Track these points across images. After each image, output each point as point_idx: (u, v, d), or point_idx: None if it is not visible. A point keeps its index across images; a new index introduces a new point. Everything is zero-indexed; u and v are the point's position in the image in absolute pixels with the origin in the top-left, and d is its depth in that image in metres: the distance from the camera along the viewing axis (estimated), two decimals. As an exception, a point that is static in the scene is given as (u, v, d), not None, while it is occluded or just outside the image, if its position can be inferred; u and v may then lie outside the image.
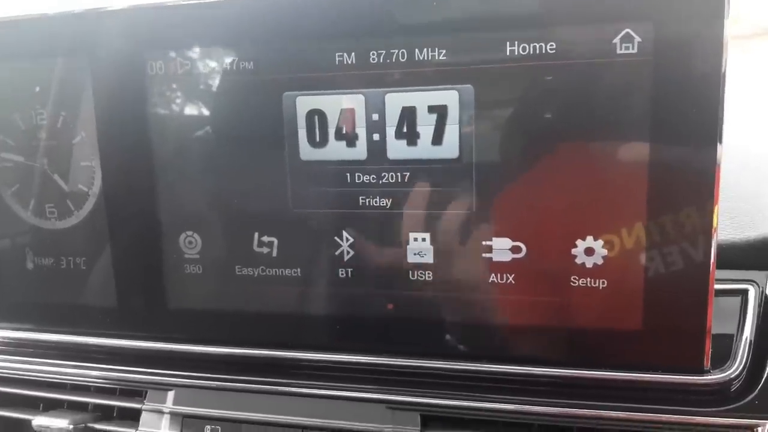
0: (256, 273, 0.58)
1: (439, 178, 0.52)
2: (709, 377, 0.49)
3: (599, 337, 0.51)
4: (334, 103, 0.52)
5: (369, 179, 0.53)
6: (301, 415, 0.56)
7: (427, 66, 0.50)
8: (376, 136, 0.52)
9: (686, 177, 0.46)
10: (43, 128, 0.61)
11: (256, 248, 0.57)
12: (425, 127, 0.51)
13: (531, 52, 0.47)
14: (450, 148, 0.51)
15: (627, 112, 0.47)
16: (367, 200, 0.53)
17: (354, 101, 0.52)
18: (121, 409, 0.63)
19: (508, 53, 0.48)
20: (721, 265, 0.48)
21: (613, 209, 0.48)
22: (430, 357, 0.55)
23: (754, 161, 0.71)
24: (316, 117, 0.53)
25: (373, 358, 0.56)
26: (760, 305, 0.56)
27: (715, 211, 0.46)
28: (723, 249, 0.58)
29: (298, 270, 0.57)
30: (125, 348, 0.63)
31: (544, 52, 0.47)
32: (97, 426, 0.62)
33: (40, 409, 0.66)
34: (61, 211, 0.63)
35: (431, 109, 0.50)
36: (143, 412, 0.61)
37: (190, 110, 0.57)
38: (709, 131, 0.45)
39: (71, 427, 0.61)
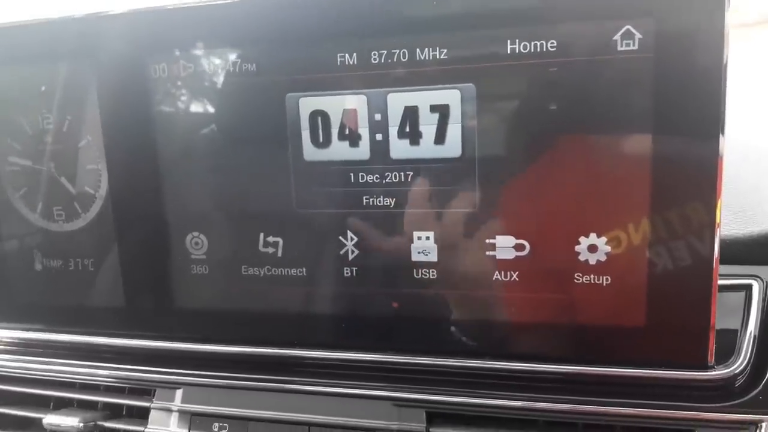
0: (262, 273, 0.58)
1: (442, 177, 0.52)
2: (713, 373, 0.49)
3: (603, 334, 0.51)
4: (336, 104, 0.52)
5: (372, 179, 0.53)
6: (307, 413, 0.57)
7: (428, 65, 0.50)
8: (378, 136, 0.52)
9: (689, 172, 0.46)
10: (49, 132, 0.62)
11: (261, 248, 0.58)
12: (428, 126, 0.51)
13: (532, 50, 0.47)
14: (452, 147, 0.51)
15: (629, 108, 0.47)
16: (371, 200, 0.54)
17: (356, 101, 0.52)
18: (130, 408, 0.64)
19: (509, 51, 0.48)
20: (724, 260, 0.48)
21: (616, 206, 0.48)
22: (435, 354, 0.55)
23: (756, 154, 0.71)
24: (319, 118, 0.53)
25: (379, 355, 0.56)
26: (764, 300, 0.56)
27: (718, 205, 0.46)
28: (727, 244, 0.58)
29: (304, 269, 0.57)
30: (134, 347, 0.63)
31: (545, 49, 0.47)
32: (107, 424, 0.63)
33: (51, 407, 0.67)
34: (68, 213, 0.63)
35: (433, 108, 0.50)
36: (152, 410, 0.61)
37: (194, 112, 0.57)
38: (712, 126, 0.45)
39: (81, 425, 0.62)
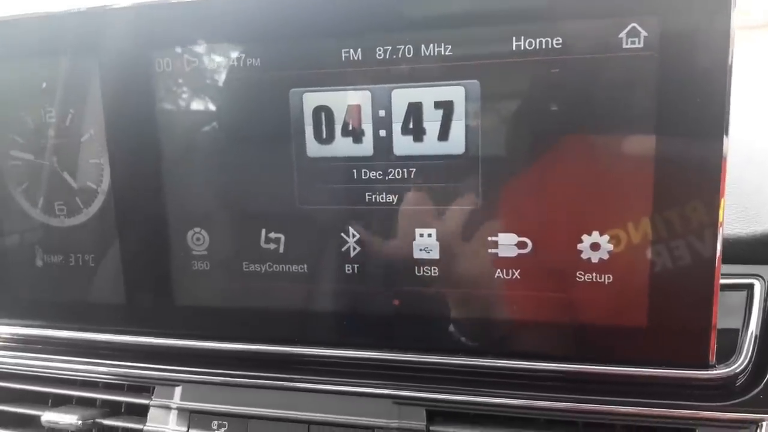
0: (264, 269, 0.58)
1: (445, 174, 0.52)
2: (715, 372, 0.49)
3: (605, 332, 0.51)
4: (340, 100, 0.53)
5: (375, 175, 0.53)
6: (307, 411, 0.57)
7: (433, 62, 0.50)
8: (382, 132, 0.52)
9: (692, 171, 0.46)
10: (51, 126, 0.62)
11: (263, 245, 0.58)
12: (431, 122, 0.51)
13: (537, 47, 0.47)
14: (456, 143, 0.51)
15: (633, 106, 0.47)
16: (374, 196, 0.54)
17: (360, 97, 0.52)
18: (129, 405, 0.64)
19: (514, 48, 0.48)
20: (726, 259, 0.48)
21: (619, 204, 0.48)
22: (435, 352, 0.55)
23: (760, 155, 0.71)
24: (323, 113, 0.53)
25: (380, 353, 0.56)
26: (765, 300, 0.56)
27: (722, 205, 0.46)
28: (729, 243, 0.58)
29: (305, 266, 0.57)
30: (133, 344, 0.63)
31: (550, 46, 0.47)
32: (106, 421, 0.63)
33: (49, 404, 0.66)
34: (70, 208, 0.63)
35: (437, 104, 0.50)
36: (151, 407, 0.61)
37: (198, 107, 0.57)
38: (716, 125, 0.45)
39: (80, 422, 0.62)
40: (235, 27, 0.54)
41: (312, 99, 0.53)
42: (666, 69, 0.45)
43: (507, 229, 0.52)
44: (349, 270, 0.56)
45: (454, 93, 0.50)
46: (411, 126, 0.51)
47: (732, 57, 0.44)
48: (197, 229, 0.59)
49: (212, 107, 0.57)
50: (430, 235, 0.53)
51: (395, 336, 0.56)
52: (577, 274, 0.51)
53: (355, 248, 0.55)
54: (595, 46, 0.46)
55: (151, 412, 0.61)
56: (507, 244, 0.52)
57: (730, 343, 0.53)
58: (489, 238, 0.52)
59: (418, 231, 0.53)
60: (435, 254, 0.54)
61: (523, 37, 0.48)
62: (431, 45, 0.49)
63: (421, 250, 0.54)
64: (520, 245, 0.51)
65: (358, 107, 0.52)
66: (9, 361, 0.67)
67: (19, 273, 0.67)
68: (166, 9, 0.55)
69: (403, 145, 0.52)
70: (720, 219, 0.46)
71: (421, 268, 0.54)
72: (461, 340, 0.55)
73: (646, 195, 0.48)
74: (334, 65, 0.52)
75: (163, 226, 0.60)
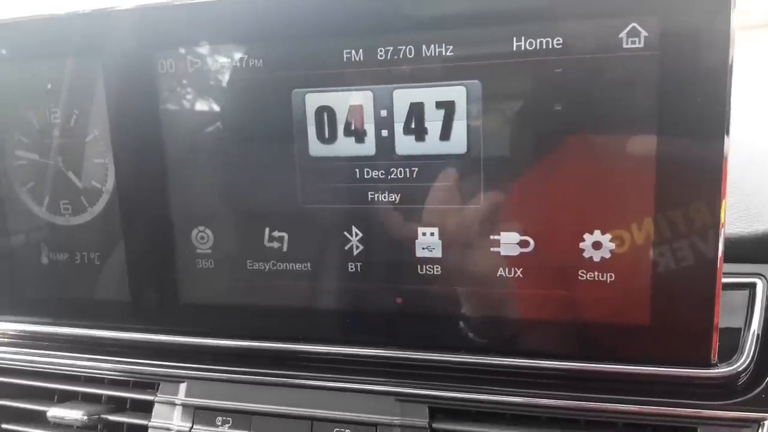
0: (267, 267, 0.58)
1: (447, 174, 0.52)
2: (717, 371, 0.49)
3: (607, 331, 0.51)
4: (342, 100, 0.53)
5: (378, 175, 0.53)
6: (310, 407, 0.57)
7: (434, 62, 0.50)
8: (384, 132, 0.52)
9: (693, 171, 0.46)
10: (56, 126, 0.62)
11: (267, 243, 0.58)
12: (433, 122, 0.51)
13: (538, 47, 0.47)
14: (458, 143, 0.51)
15: (634, 106, 0.47)
16: (376, 195, 0.54)
17: (362, 97, 0.52)
18: (134, 401, 0.64)
19: (515, 48, 0.48)
20: (728, 258, 0.48)
21: (621, 203, 0.49)
22: (438, 350, 0.55)
23: (761, 153, 0.71)
24: (325, 113, 0.53)
25: (382, 351, 0.56)
26: (768, 299, 0.56)
27: (723, 205, 0.46)
28: (731, 242, 0.58)
29: (309, 264, 0.57)
30: (138, 341, 0.64)
31: (550, 46, 0.47)
32: (111, 417, 0.63)
33: (55, 400, 0.67)
34: (75, 207, 0.64)
35: (439, 104, 0.50)
36: (156, 403, 0.62)
37: (201, 107, 0.57)
38: (716, 125, 0.45)
39: (85, 418, 0.62)
40: (238, 28, 0.54)
41: (314, 99, 0.53)
42: (666, 69, 0.45)
43: (509, 228, 0.52)
44: (352, 268, 0.56)
45: (456, 93, 0.50)
46: (413, 126, 0.51)
47: (732, 56, 0.44)
48: (201, 228, 0.60)
49: (215, 107, 0.57)
50: (432, 234, 0.53)
51: (398, 334, 0.56)
52: (579, 273, 0.51)
53: (358, 247, 0.55)
54: (596, 46, 0.46)
55: (156, 408, 0.62)
56: (509, 242, 0.52)
57: (732, 342, 0.53)
58: (491, 237, 0.52)
59: (420, 230, 0.54)
60: (437, 253, 0.54)
61: (523, 38, 0.48)
62: (432, 45, 0.50)
63: (423, 248, 0.54)
64: (522, 244, 0.52)
65: (360, 107, 0.52)
66: (16, 357, 0.68)
67: (25, 271, 0.67)
68: (169, 10, 0.55)
69: (405, 144, 0.52)
70: (722, 220, 0.46)
71: (424, 266, 0.54)
72: (464, 337, 0.55)
73: (648, 194, 0.48)
74: (336, 66, 0.52)
75: (167, 225, 0.60)
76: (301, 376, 0.58)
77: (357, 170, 0.54)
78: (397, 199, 0.53)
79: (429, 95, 0.51)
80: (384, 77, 0.51)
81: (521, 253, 0.52)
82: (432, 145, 0.51)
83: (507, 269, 0.52)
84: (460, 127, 0.51)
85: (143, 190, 0.60)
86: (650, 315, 0.49)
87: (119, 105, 0.59)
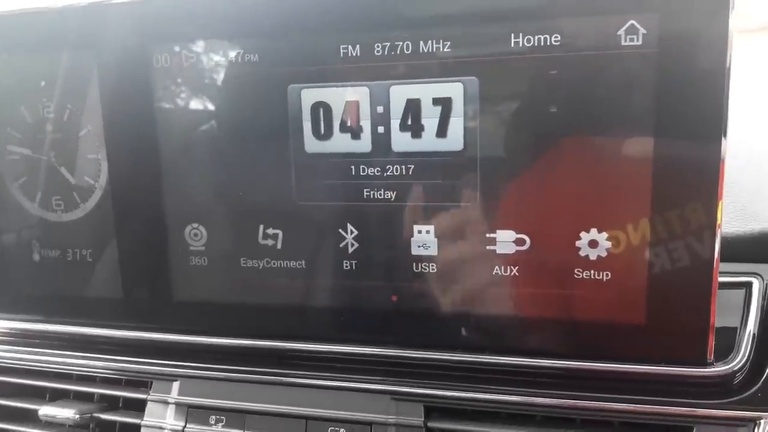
0: (261, 265, 0.58)
1: (443, 171, 0.52)
2: (713, 370, 0.49)
3: (603, 330, 0.51)
4: (338, 96, 0.52)
5: (373, 172, 0.53)
6: (305, 406, 0.57)
7: (431, 58, 0.50)
8: (380, 129, 0.52)
9: (691, 171, 0.46)
10: (49, 121, 0.61)
11: (261, 240, 0.58)
12: (430, 119, 0.51)
13: (536, 44, 0.47)
14: (454, 140, 0.51)
15: (632, 104, 0.46)
16: (372, 193, 0.53)
17: (359, 94, 0.52)
18: (127, 400, 0.64)
19: (512, 45, 0.48)
20: (725, 258, 0.48)
21: (618, 202, 0.48)
22: (433, 348, 0.55)
23: (758, 153, 0.71)
24: (321, 109, 0.53)
25: (377, 349, 0.56)
26: (764, 298, 0.56)
27: (720, 205, 0.46)
28: (727, 241, 0.58)
29: (303, 262, 0.57)
30: (131, 339, 0.63)
31: (548, 43, 0.47)
32: (103, 416, 0.63)
33: (47, 399, 0.66)
34: (67, 203, 0.63)
35: (436, 101, 0.50)
36: (149, 402, 0.61)
37: (196, 103, 0.57)
38: (714, 125, 0.45)
39: (77, 416, 0.62)
40: (234, 22, 0.54)
41: (310, 95, 0.53)
42: (664, 67, 0.45)
43: (505, 226, 0.52)
44: (347, 266, 0.56)
45: (453, 90, 0.50)
46: (409, 122, 0.51)
47: (731, 56, 0.44)
48: (195, 225, 0.59)
49: (210, 103, 0.56)
50: (428, 232, 0.53)
51: (393, 332, 0.56)
52: (576, 272, 0.50)
53: (353, 244, 0.55)
54: (594, 44, 0.46)
55: (149, 406, 0.61)
56: (505, 240, 0.52)
57: (728, 341, 0.53)
58: (487, 235, 0.52)
59: (416, 227, 0.53)
60: (433, 251, 0.53)
61: (521, 34, 0.47)
62: (430, 41, 0.49)
63: (419, 246, 0.54)
64: (518, 242, 0.51)
65: (357, 103, 0.52)
66: (7, 355, 0.67)
67: (16, 268, 0.67)
68: (164, 4, 0.55)
69: (401, 141, 0.52)
70: (718, 220, 0.46)
71: (419, 264, 0.54)
72: (459, 336, 0.54)
73: (645, 193, 0.48)
74: (333, 61, 0.52)
75: (160, 222, 0.60)
76: (295, 374, 0.58)
77: (352, 167, 0.53)
78: (393, 197, 0.53)
79: (426, 92, 0.50)
80: (381, 73, 0.51)
81: (517, 252, 0.52)
82: (428, 142, 0.51)
83: (503, 267, 0.52)
84: (456, 124, 0.50)
85: (136, 186, 0.60)
86: (646, 314, 0.49)
87: (113, 100, 0.59)
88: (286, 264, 0.57)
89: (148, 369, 0.62)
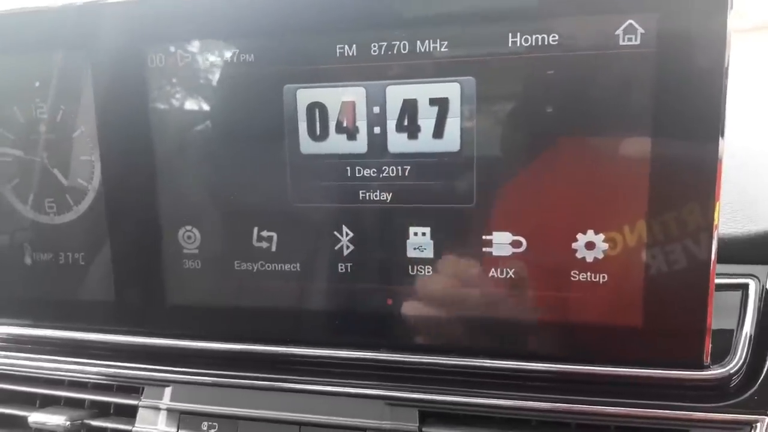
0: (256, 268, 0.58)
1: (439, 172, 0.51)
2: (709, 372, 0.49)
3: (599, 332, 0.51)
4: (334, 96, 0.52)
5: (369, 173, 0.53)
6: (298, 412, 0.56)
7: (428, 58, 0.50)
8: (376, 129, 0.52)
9: (688, 172, 0.46)
10: (42, 122, 0.61)
11: (255, 243, 0.57)
12: (426, 120, 0.51)
13: (533, 44, 0.47)
14: (451, 141, 0.51)
15: (629, 104, 0.47)
16: (368, 194, 0.53)
17: (355, 94, 0.52)
18: (118, 406, 0.63)
19: (510, 45, 0.48)
20: (721, 260, 0.48)
21: (614, 203, 0.48)
22: (428, 352, 0.55)
23: (755, 154, 0.71)
24: (317, 110, 0.53)
25: (372, 353, 0.56)
26: (760, 300, 0.56)
27: (717, 207, 0.46)
28: (724, 243, 0.57)
29: (298, 265, 0.57)
30: (123, 344, 0.63)
31: (546, 43, 0.47)
32: (94, 423, 0.62)
33: (37, 405, 0.66)
34: (60, 205, 0.63)
35: (432, 101, 0.50)
36: (140, 408, 0.61)
37: (190, 103, 0.56)
38: (712, 125, 0.45)
39: (68, 423, 0.61)
40: (229, 22, 0.54)
41: (306, 95, 0.53)
42: (662, 67, 0.45)
43: (501, 228, 0.51)
44: (342, 269, 0.55)
45: (450, 90, 0.50)
46: (405, 123, 0.51)
47: (729, 56, 0.44)
48: (188, 227, 0.59)
49: (205, 103, 0.56)
50: (424, 234, 0.53)
51: (388, 336, 0.56)
52: (572, 274, 0.50)
53: (348, 247, 0.55)
54: (592, 43, 0.46)
55: (140, 412, 0.61)
56: (501, 242, 0.51)
57: (724, 343, 0.52)
58: (483, 237, 0.52)
59: (412, 229, 0.53)
60: (429, 253, 0.53)
61: (519, 34, 0.47)
62: (426, 41, 0.49)
63: (414, 248, 0.53)
64: (515, 244, 0.51)
65: (353, 104, 0.52)
66: (-4, 360, 0.67)
67: (7, 271, 0.66)
68: (159, 3, 0.55)
69: (397, 142, 0.52)
70: (715, 222, 0.46)
71: (415, 267, 0.54)
72: (454, 340, 0.54)
73: (642, 194, 0.47)
74: (329, 61, 0.52)
75: (154, 224, 0.59)
76: (289, 379, 0.57)
77: (348, 168, 0.53)
78: (389, 198, 0.53)
79: (422, 92, 0.50)
80: (377, 73, 0.51)
81: (513, 254, 0.51)
82: (425, 142, 0.51)
83: (499, 270, 0.52)
84: (453, 125, 0.50)
85: (130, 188, 0.59)
86: (643, 316, 0.49)
87: (107, 100, 0.58)
88: (281, 267, 0.57)
89: (140, 374, 0.61)
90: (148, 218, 0.59)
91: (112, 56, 0.57)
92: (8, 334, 0.67)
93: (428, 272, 0.54)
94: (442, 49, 0.49)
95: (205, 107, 0.56)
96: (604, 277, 0.50)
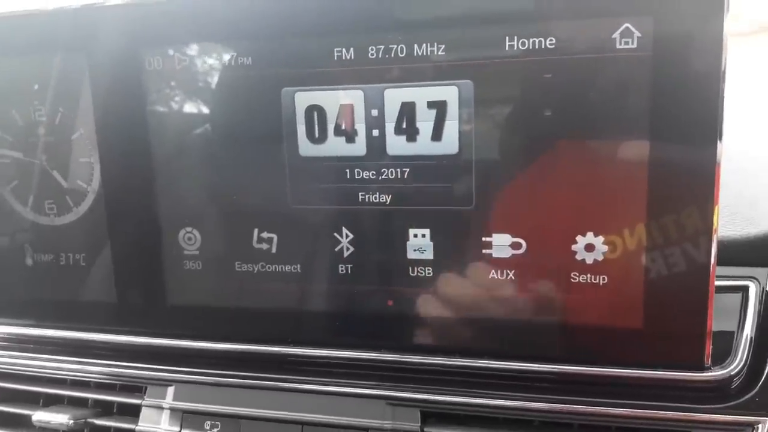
0: (256, 269, 0.58)
1: (438, 174, 0.51)
2: (710, 374, 0.49)
3: (599, 334, 0.51)
4: (333, 99, 0.52)
5: (368, 175, 0.53)
6: (300, 411, 0.56)
7: (426, 61, 0.49)
8: (375, 132, 0.52)
9: (686, 175, 0.46)
10: (41, 124, 0.61)
11: (255, 244, 0.57)
12: (425, 122, 0.50)
13: (530, 47, 0.47)
14: (449, 143, 0.50)
15: (627, 107, 0.46)
16: (367, 196, 0.53)
17: (353, 97, 0.51)
18: (121, 405, 0.63)
19: (507, 48, 0.47)
20: (721, 262, 0.47)
21: (613, 206, 0.48)
22: (430, 353, 0.55)
23: (754, 156, 0.71)
24: (315, 113, 0.53)
25: (373, 354, 0.56)
26: (760, 302, 0.56)
27: (716, 210, 0.46)
28: (723, 245, 0.57)
29: (298, 266, 0.57)
30: (125, 344, 0.63)
31: (543, 47, 0.47)
32: (97, 421, 0.62)
33: (41, 404, 0.66)
34: (60, 207, 0.63)
35: (431, 104, 0.50)
36: (143, 407, 0.61)
37: (189, 106, 0.56)
38: (709, 129, 0.45)
39: (71, 422, 0.61)
40: (227, 25, 0.53)
41: (304, 98, 0.53)
42: (659, 70, 0.45)
43: (501, 230, 0.51)
44: (342, 270, 0.55)
45: (448, 93, 0.49)
46: (404, 126, 0.51)
47: (726, 59, 0.43)
48: (189, 229, 0.59)
49: (203, 106, 0.56)
50: (423, 236, 0.53)
51: (389, 336, 0.56)
52: (572, 275, 0.50)
53: (348, 248, 0.55)
54: (589, 47, 0.46)
55: (144, 412, 0.61)
56: (501, 244, 0.51)
57: (725, 345, 0.52)
58: (483, 239, 0.52)
59: (411, 231, 0.53)
60: (429, 254, 0.53)
61: (516, 37, 0.47)
62: (424, 45, 0.49)
63: (414, 250, 0.53)
64: (514, 246, 0.51)
65: (351, 107, 0.52)
66: (0, 360, 0.67)
67: (9, 272, 0.66)
68: (157, 7, 0.55)
69: (396, 144, 0.51)
70: (715, 225, 0.46)
71: (415, 268, 0.54)
72: (455, 340, 0.54)
73: (641, 197, 0.47)
74: (327, 64, 0.51)
75: (154, 226, 0.59)
76: (291, 379, 0.57)
77: (347, 170, 0.53)
78: (388, 200, 0.53)
79: (420, 95, 0.50)
80: (375, 76, 0.50)
81: (513, 255, 0.51)
82: (423, 145, 0.51)
83: (499, 271, 0.52)
84: (451, 128, 0.50)
85: (130, 189, 0.59)
86: (643, 318, 0.49)
87: (105, 103, 0.58)
88: (281, 268, 0.57)
89: (143, 374, 0.62)
90: (148, 220, 0.59)
91: (110, 59, 0.57)
92: (10, 334, 0.67)
93: (428, 273, 0.53)
94: (440, 53, 0.49)
95: (204, 110, 0.56)
96: (604, 278, 0.49)
